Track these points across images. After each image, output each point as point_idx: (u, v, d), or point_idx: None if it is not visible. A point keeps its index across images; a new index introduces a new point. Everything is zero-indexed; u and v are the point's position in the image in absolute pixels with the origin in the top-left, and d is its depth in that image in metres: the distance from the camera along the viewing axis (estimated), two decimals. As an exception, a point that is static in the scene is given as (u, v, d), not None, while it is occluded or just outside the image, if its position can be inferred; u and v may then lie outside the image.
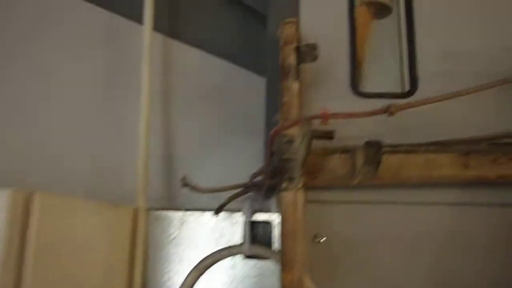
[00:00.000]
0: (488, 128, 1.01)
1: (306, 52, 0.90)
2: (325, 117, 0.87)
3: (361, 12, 1.26)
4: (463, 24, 1.09)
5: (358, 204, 0.97)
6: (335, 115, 0.88)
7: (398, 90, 1.09)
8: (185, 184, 0.91)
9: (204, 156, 1.15)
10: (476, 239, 0.95)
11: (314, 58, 0.89)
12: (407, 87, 1.07)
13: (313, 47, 0.89)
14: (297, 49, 0.91)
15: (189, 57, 1.21)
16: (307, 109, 1.06)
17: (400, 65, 1.12)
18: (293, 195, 0.83)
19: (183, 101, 1.19)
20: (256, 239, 1.03)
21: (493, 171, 0.89)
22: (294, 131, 0.88)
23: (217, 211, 1.00)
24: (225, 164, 1.14)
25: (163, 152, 1.15)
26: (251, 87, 1.17)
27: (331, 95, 1.07)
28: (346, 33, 1.11)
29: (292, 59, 0.94)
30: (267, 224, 1.05)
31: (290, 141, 0.86)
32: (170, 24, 1.24)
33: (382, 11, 1.18)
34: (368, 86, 1.14)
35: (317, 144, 1.01)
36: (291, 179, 0.83)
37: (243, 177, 1.13)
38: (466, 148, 0.93)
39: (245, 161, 1.14)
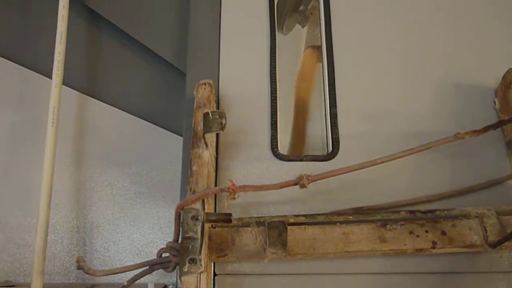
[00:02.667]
0: (408, 191, 0.99)
1: (213, 120, 0.84)
2: (233, 190, 0.81)
3: (307, 54, 1.25)
4: (383, 85, 1.08)
5: (271, 276, 0.91)
6: (244, 188, 0.82)
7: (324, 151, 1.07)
8: (79, 267, 0.82)
9: (118, 224, 1.06)
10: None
11: (222, 127, 0.83)
12: (330, 149, 1.05)
13: (220, 115, 0.84)
14: (205, 116, 0.85)
15: (105, 115, 1.14)
16: (226, 171, 1.02)
17: (324, 126, 1.09)
18: (195, 279, 0.76)
19: (97, 162, 1.10)
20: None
21: (410, 244, 0.85)
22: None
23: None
24: (140, 231, 1.06)
25: (72, 220, 1.05)
26: (168, 147, 1.10)
27: (251, 158, 1.03)
28: (267, 94, 1.07)
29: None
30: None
31: (195, 217, 0.79)
32: (86, 80, 1.17)
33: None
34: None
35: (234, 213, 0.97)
36: (193, 261, 0.75)
37: (159, 245, 1.07)
38: (384, 216, 0.90)
39: (161, 227, 1.06)
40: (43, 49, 1.16)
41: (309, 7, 1.31)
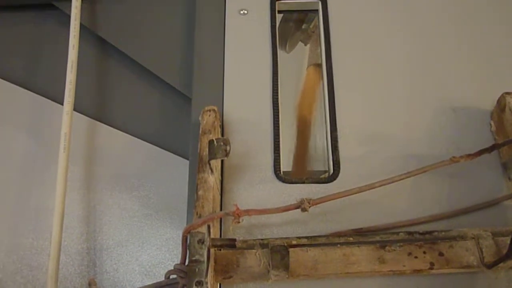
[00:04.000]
0: (406, 212, 1.01)
1: (218, 147, 0.88)
2: (237, 214, 0.84)
3: (310, 72, 1.29)
4: (383, 109, 1.12)
5: None
6: (247, 212, 0.86)
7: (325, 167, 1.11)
8: (91, 288, 0.85)
9: (127, 245, 1.09)
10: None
11: (226, 154, 0.88)
12: (331, 171, 1.08)
13: (225, 142, 0.88)
14: (210, 143, 0.90)
15: (114, 140, 1.18)
16: (231, 194, 1.05)
17: (325, 148, 1.13)
18: (201, 301, 0.79)
19: (107, 186, 1.14)
20: None
21: (408, 265, 0.88)
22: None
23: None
24: (148, 253, 1.09)
25: (83, 242, 1.09)
26: (175, 170, 1.14)
27: (255, 180, 1.06)
28: (270, 118, 1.11)
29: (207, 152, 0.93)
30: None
31: (201, 241, 0.82)
32: (96, 106, 1.22)
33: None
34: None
35: (239, 234, 1.01)
36: (199, 283, 0.79)
37: (167, 266, 1.10)
38: (384, 238, 0.93)
39: (169, 249, 1.09)
40: (55, 75, 1.21)
41: (311, 26, 1.36)
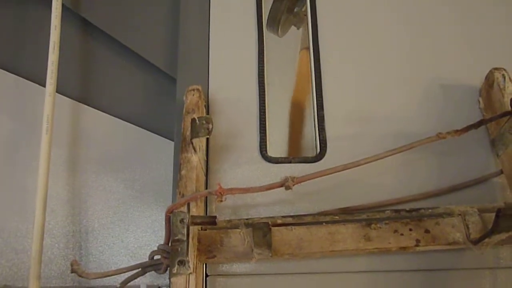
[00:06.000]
0: (394, 191, 1.00)
1: (200, 126, 0.86)
2: (220, 193, 0.83)
3: (303, 56, 1.27)
4: (370, 87, 1.11)
5: (261, 276, 0.93)
6: (231, 190, 0.85)
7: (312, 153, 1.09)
8: (73, 270, 0.84)
9: (112, 227, 1.08)
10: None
11: (208, 132, 0.86)
12: (318, 150, 1.07)
13: (207, 121, 0.86)
14: (192, 122, 0.88)
15: (98, 122, 1.16)
16: (216, 174, 1.04)
17: (312, 128, 1.11)
18: (184, 280, 0.78)
19: (91, 168, 1.13)
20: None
21: (394, 243, 0.87)
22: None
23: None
24: (134, 235, 1.08)
25: (68, 225, 1.08)
26: (160, 152, 1.13)
27: (240, 160, 1.05)
28: (256, 97, 1.10)
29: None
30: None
31: (183, 220, 0.81)
32: (79, 88, 1.20)
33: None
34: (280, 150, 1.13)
35: (225, 215, 1.00)
36: (181, 263, 0.78)
37: (152, 248, 1.09)
38: (370, 216, 0.92)
39: (154, 230, 1.08)
40: (38, 58, 1.19)
41: (303, 9, 1.34)
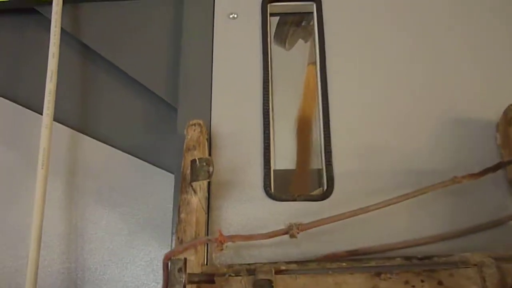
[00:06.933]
0: (405, 232, 0.95)
1: (200, 168, 0.82)
2: (220, 241, 0.79)
3: (310, 71, 1.22)
4: (380, 120, 1.05)
5: None
6: (232, 238, 0.80)
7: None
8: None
9: (110, 265, 1.04)
10: None
11: (209, 175, 0.81)
12: (325, 187, 1.02)
13: (207, 163, 0.82)
14: (192, 164, 0.83)
15: (97, 152, 1.12)
16: (218, 211, 1.00)
17: (320, 163, 1.06)
18: (180, 338, 0.74)
19: (89, 201, 1.08)
20: None
21: (404, 295, 0.82)
22: (189, 256, 0.81)
23: None
24: (132, 273, 1.03)
25: (64, 262, 1.04)
26: (160, 185, 1.08)
27: (243, 197, 1.00)
28: (260, 130, 1.05)
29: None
30: None
31: (181, 270, 0.77)
32: (78, 117, 1.16)
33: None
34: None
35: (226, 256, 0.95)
36: (179, 318, 0.73)
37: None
38: (379, 263, 0.87)
39: (153, 269, 1.04)
40: (37, 84, 1.15)
41: (311, 23, 1.29)
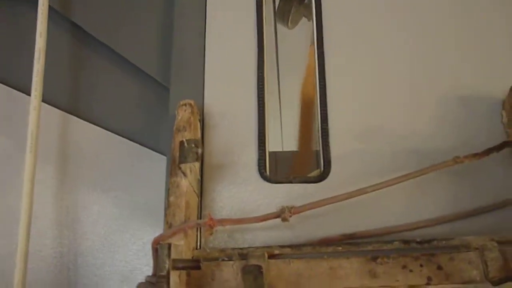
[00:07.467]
0: (405, 214, 0.91)
1: (189, 150, 0.79)
2: (210, 225, 0.76)
3: (313, 50, 1.18)
4: (379, 100, 1.00)
5: None
6: (222, 222, 0.77)
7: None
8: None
9: (102, 249, 1.02)
10: None
11: (197, 157, 0.78)
12: (321, 169, 0.98)
13: (196, 144, 0.79)
14: (180, 145, 0.80)
15: (88, 135, 1.09)
16: (211, 194, 0.97)
17: (317, 145, 1.03)
18: (168, 324, 0.72)
19: (81, 185, 1.06)
20: None
21: (402, 280, 0.78)
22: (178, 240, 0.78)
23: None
24: (125, 258, 1.02)
25: (56, 247, 1.02)
26: (153, 167, 1.06)
27: (237, 180, 0.97)
28: (254, 111, 1.01)
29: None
30: None
31: (169, 255, 0.74)
32: (69, 98, 1.12)
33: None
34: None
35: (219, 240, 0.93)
36: (167, 303, 0.71)
37: (144, 272, 1.03)
38: (376, 247, 0.83)
39: (146, 253, 1.02)
40: (27, 66, 1.12)
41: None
